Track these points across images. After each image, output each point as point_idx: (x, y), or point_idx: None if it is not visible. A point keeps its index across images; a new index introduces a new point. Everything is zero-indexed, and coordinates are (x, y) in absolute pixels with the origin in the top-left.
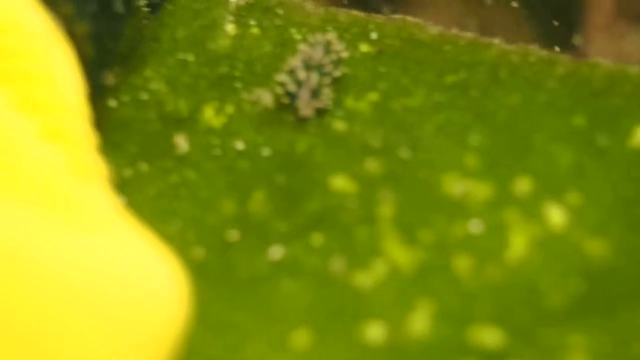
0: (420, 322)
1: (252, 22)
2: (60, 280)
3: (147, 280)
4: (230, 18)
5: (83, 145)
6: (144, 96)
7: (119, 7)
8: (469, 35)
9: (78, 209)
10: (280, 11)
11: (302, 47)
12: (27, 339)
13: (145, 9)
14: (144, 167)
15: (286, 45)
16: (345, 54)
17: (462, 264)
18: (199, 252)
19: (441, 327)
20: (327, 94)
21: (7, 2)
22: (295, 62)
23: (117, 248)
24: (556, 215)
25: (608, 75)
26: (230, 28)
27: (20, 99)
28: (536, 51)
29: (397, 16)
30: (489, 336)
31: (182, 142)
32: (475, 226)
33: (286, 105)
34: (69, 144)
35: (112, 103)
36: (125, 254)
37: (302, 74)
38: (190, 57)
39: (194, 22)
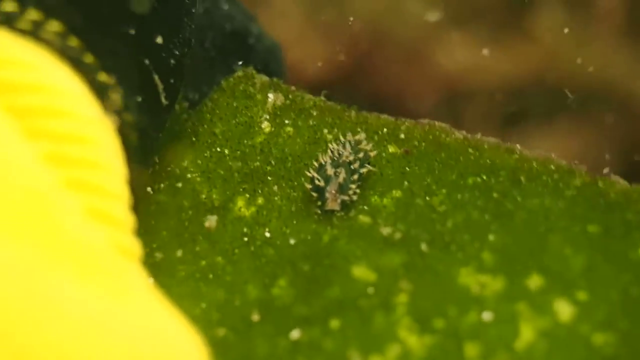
0: None
1: (287, 122)
2: (97, 344)
3: (173, 353)
4: (267, 117)
5: (122, 226)
6: (180, 185)
7: (163, 101)
8: (492, 140)
9: (115, 283)
10: (314, 112)
11: (332, 145)
12: None
13: (186, 104)
14: (175, 251)
15: (318, 144)
16: (373, 153)
17: (472, 350)
18: (221, 332)
19: None
20: (353, 189)
21: (64, 91)
22: (324, 158)
23: (148, 321)
24: (565, 309)
25: (624, 192)
26: (265, 126)
27: (68, 179)
28: (556, 160)
29: (425, 120)
30: None
31: (213, 230)
32: (486, 316)
33: (314, 198)
34: (110, 224)
35: (150, 189)
36: (155, 328)
37: (330, 170)
38: (226, 151)
39: (232, 119)
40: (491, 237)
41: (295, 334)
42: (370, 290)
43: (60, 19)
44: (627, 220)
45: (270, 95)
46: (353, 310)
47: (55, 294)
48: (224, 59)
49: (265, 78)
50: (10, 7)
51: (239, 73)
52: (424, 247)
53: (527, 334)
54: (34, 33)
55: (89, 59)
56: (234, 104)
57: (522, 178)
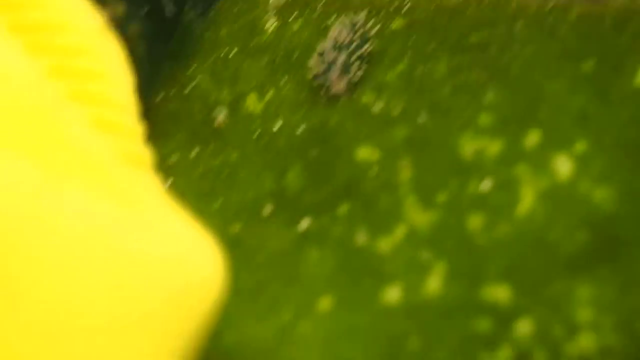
0: (434, 282)
1: (292, 18)
2: (107, 253)
3: (186, 260)
4: (272, 14)
5: (131, 135)
6: (189, 89)
7: (169, 10)
8: None
9: (125, 192)
10: (319, 5)
11: (332, 31)
12: (71, 311)
13: (192, 12)
14: (189, 152)
15: (323, 32)
16: (373, 30)
17: (474, 222)
18: (236, 228)
19: (454, 287)
20: (355, 70)
21: (65, 4)
22: (324, 45)
23: (160, 229)
24: (563, 166)
25: (618, 13)
26: (270, 24)
27: (73, 91)
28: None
29: None
30: (500, 293)
31: (223, 126)
32: (487, 184)
33: (319, 85)
34: (118, 133)
35: (160, 96)
36: (167, 236)
37: (330, 55)
38: (233, 52)
39: (236, 22)
40: (488, 97)
41: (304, 223)
42: (375, 170)
43: None
44: (620, 47)
45: None
46: (359, 193)
47: (63, 205)
48: None
49: None
50: None
51: None
52: (424, 118)
53: (527, 198)
54: None
55: None
56: (237, 8)
57: (519, 26)
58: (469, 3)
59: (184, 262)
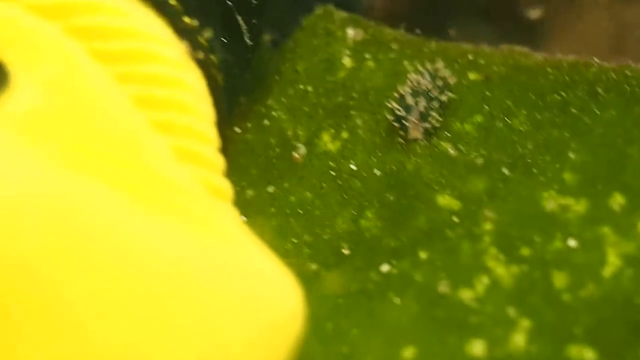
0: (519, 338)
1: (368, 56)
2: (190, 283)
3: (268, 290)
4: (347, 52)
5: (212, 167)
6: (266, 123)
7: (246, 41)
8: (571, 57)
9: (207, 222)
10: (394, 46)
11: (411, 75)
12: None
13: (269, 44)
14: (265, 188)
15: (398, 76)
16: (452, 80)
17: (561, 280)
18: (313, 267)
19: (540, 344)
20: (434, 117)
21: (151, 34)
22: (404, 89)
23: (242, 260)
24: None
25: None
26: (346, 61)
27: (158, 121)
28: (632, 66)
29: (504, 45)
30: (586, 354)
31: (301, 161)
32: (572, 242)
33: (396, 129)
34: (200, 164)
35: (237, 129)
36: (249, 266)
37: (410, 100)
38: (310, 88)
39: (314, 57)
40: (571, 156)
41: (385, 267)
42: (455, 219)
43: None
44: None
45: (350, 31)
46: (440, 240)
47: (146, 235)
48: None
49: (344, 14)
50: None
51: (318, 11)
52: (506, 171)
53: (613, 260)
54: None
55: (172, 2)
56: (315, 42)
57: (600, 89)
58: (548, 64)
59: (269, 298)
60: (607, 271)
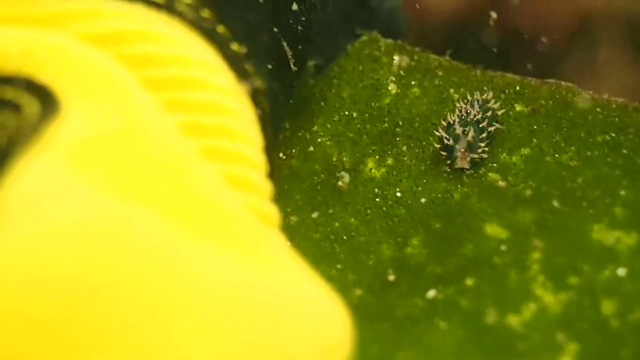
0: None
1: (413, 82)
2: (240, 310)
3: (317, 317)
4: (392, 79)
5: (260, 193)
6: (311, 149)
7: (292, 67)
8: (620, 100)
9: (257, 248)
10: (439, 72)
11: (460, 104)
12: None
13: (312, 70)
14: (310, 214)
15: (444, 103)
16: (500, 111)
17: (609, 306)
18: (358, 292)
19: None
20: (482, 147)
21: (199, 61)
22: (452, 117)
23: (291, 285)
24: None
25: None
26: (392, 88)
27: (206, 148)
28: None
29: (551, 80)
30: None
31: (345, 189)
32: (621, 272)
33: (443, 157)
34: (248, 190)
35: (282, 155)
36: (298, 292)
37: (458, 129)
38: (355, 114)
39: (359, 83)
40: (622, 193)
41: (431, 293)
42: (503, 247)
43: None
44: None
45: (396, 58)
46: (487, 268)
47: (198, 262)
48: (347, 23)
49: (389, 41)
50: None
51: (364, 37)
52: (555, 203)
53: None
54: (169, 6)
55: (221, 29)
56: (360, 68)
57: None
58: (596, 104)
59: (316, 323)
60: None
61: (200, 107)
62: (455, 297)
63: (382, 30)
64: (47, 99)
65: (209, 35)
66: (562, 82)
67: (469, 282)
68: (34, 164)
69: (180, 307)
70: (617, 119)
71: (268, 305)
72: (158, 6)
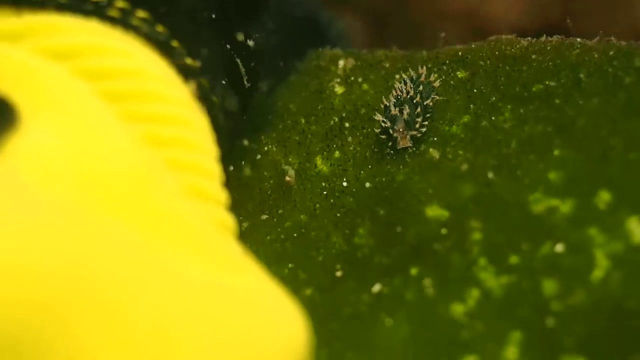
0: (511, 352)
1: (360, 79)
2: (203, 313)
3: (273, 317)
4: (338, 81)
5: (217, 203)
6: (259, 157)
7: (246, 82)
8: (555, 39)
9: (219, 256)
10: (386, 64)
11: (395, 84)
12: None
13: (265, 89)
14: (259, 217)
15: (389, 89)
16: (436, 83)
17: (550, 287)
18: (308, 292)
19: (531, 357)
20: (420, 122)
21: (155, 75)
22: (389, 100)
23: (248, 289)
24: (636, 229)
25: None
26: (338, 89)
27: (166, 159)
28: (615, 44)
29: (492, 37)
30: None
31: (293, 191)
32: (559, 247)
33: (385, 140)
34: (207, 201)
35: (232, 167)
36: (256, 295)
37: (394, 109)
38: (302, 119)
39: (305, 91)
40: (555, 153)
41: (377, 287)
42: (444, 231)
43: (145, 7)
44: None
45: (340, 62)
46: (429, 255)
47: (160, 267)
48: (297, 44)
49: (335, 50)
50: None
51: (311, 54)
52: (491, 175)
53: (601, 262)
54: (123, 20)
55: (175, 44)
56: (306, 79)
57: (582, 75)
58: (532, 50)
59: (277, 327)
60: (596, 275)
61: (157, 119)
62: (400, 290)
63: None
64: (4, 111)
65: (164, 49)
66: (503, 36)
67: (413, 271)
68: None
69: (143, 310)
70: (550, 63)
71: (227, 309)
72: (113, 21)
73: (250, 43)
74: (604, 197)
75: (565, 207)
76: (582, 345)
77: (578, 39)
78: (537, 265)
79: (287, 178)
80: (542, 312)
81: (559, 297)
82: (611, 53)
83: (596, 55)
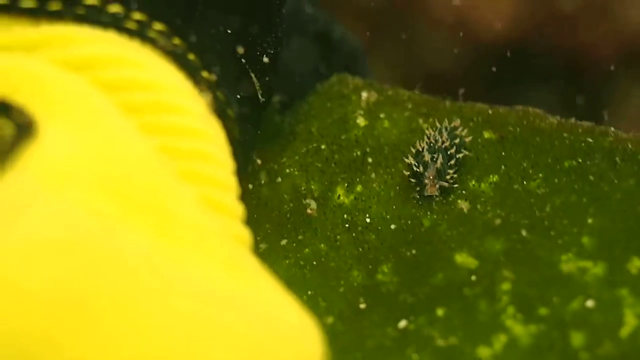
0: None
1: (382, 115)
2: (221, 323)
3: (293, 336)
4: (361, 112)
5: (233, 215)
6: (280, 179)
7: (260, 97)
8: (586, 124)
9: (235, 268)
10: (409, 105)
11: (428, 131)
12: None
13: (278, 106)
14: (279, 241)
15: (414, 133)
16: (468, 138)
17: (578, 339)
18: (329, 320)
19: None
20: (451, 174)
21: (173, 87)
22: (421, 145)
23: (269, 303)
24: None
25: None
26: (360, 121)
27: (182, 170)
28: None
29: (519, 107)
30: None
31: (314, 216)
32: (590, 303)
33: (412, 184)
34: (222, 212)
35: (251, 185)
36: (276, 310)
37: (427, 156)
38: (323, 146)
39: (327, 118)
40: (589, 221)
41: (402, 323)
42: (473, 278)
43: (162, 19)
44: None
45: (364, 94)
46: (457, 298)
47: (178, 277)
48: (309, 60)
49: (357, 79)
50: (116, 8)
51: (333, 78)
52: (524, 232)
53: (630, 320)
54: (140, 33)
55: (191, 57)
56: (328, 104)
57: (617, 159)
58: (563, 129)
59: (295, 343)
60: (625, 331)
61: (174, 131)
62: (426, 328)
63: (346, 70)
64: (22, 121)
65: (180, 62)
66: (530, 108)
67: (440, 312)
68: (13, 184)
69: (159, 320)
70: (583, 144)
71: (245, 317)
72: (130, 33)
73: (265, 59)
74: (636, 263)
75: (597, 269)
76: None
77: (612, 128)
78: (567, 317)
79: (309, 211)
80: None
81: (587, 348)
82: None
83: (630, 145)
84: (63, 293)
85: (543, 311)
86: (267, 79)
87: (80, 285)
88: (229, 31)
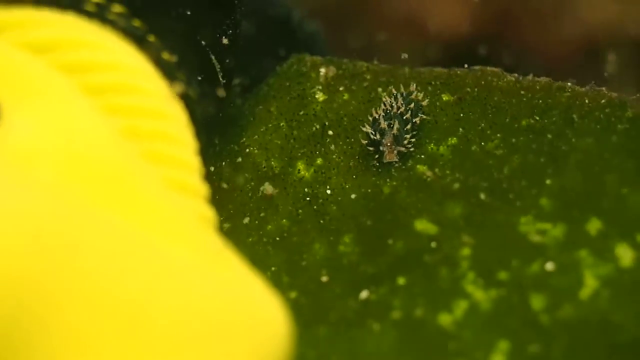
0: None
1: (341, 89)
2: (191, 302)
3: (259, 308)
4: (319, 88)
5: (198, 196)
6: (240, 159)
7: (220, 79)
8: (544, 79)
9: (201, 247)
10: (368, 76)
11: (385, 99)
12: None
13: (238, 89)
14: (241, 220)
15: (372, 102)
16: (425, 102)
17: (538, 302)
18: (293, 295)
19: None
20: (408, 139)
21: (134, 68)
22: (378, 112)
23: (237, 282)
24: (626, 254)
25: None
26: (319, 96)
27: (146, 151)
28: (607, 94)
29: (476, 67)
30: None
31: (273, 196)
32: (549, 266)
33: (371, 153)
34: (187, 193)
35: (212, 168)
36: (242, 287)
37: (384, 123)
38: (282, 123)
39: (286, 96)
40: (548, 182)
41: (364, 293)
42: (433, 244)
43: (121, 2)
44: None
45: (322, 70)
46: (418, 266)
47: (145, 257)
48: (269, 43)
49: (316, 57)
50: None
51: (292, 59)
52: (483, 196)
53: (590, 282)
54: (100, 15)
55: (151, 38)
56: (287, 83)
57: (575, 116)
58: (520, 86)
59: (262, 321)
60: (584, 293)
61: (136, 112)
62: (387, 298)
63: (305, 52)
64: None
65: (141, 43)
66: (488, 68)
67: (401, 281)
68: None
69: (124, 299)
70: (540, 101)
71: (209, 293)
72: (89, 15)
73: (225, 40)
74: (595, 224)
75: (556, 230)
76: (569, 355)
77: (568, 83)
78: (526, 281)
79: (267, 192)
80: (530, 324)
81: (547, 311)
82: (602, 101)
83: (587, 101)
84: (24, 272)
85: (503, 275)
86: (227, 60)
87: (42, 264)
88: (189, 13)
